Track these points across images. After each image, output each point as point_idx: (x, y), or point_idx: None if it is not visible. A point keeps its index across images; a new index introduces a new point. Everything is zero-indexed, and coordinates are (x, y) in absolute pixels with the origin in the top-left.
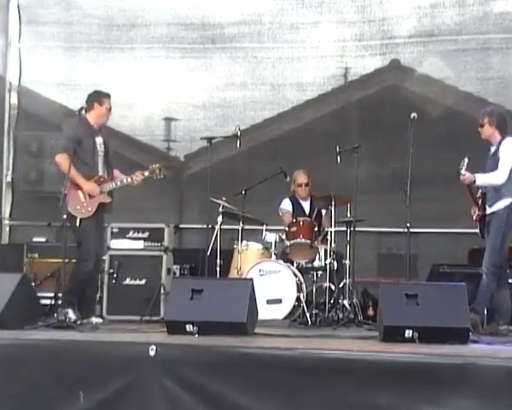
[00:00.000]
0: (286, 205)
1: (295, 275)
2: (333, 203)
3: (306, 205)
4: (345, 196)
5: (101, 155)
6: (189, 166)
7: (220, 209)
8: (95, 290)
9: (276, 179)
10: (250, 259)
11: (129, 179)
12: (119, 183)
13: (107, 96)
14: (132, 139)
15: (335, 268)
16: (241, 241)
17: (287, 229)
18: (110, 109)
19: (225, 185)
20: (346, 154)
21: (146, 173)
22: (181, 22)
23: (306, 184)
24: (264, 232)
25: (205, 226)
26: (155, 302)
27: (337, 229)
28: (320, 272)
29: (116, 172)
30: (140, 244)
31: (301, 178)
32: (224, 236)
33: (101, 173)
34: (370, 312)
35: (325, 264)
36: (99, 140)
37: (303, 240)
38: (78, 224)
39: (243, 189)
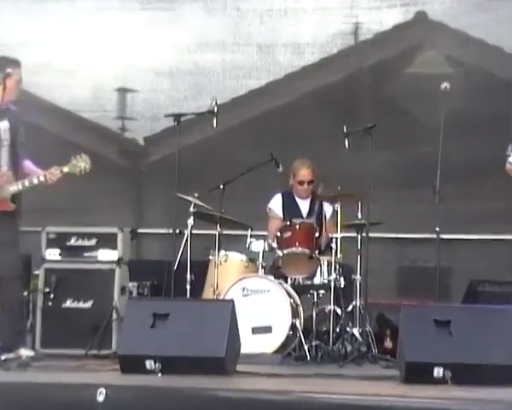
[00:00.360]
0: (275, 204)
1: (289, 295)
2: (339, 201)
3: (304, 205)
4: (355, 191)
5: (6, 145)
6: (151, 153)
7: (191, 209)
8: (23, 316)
9: (265, 170)
10: (230, 274)
11: (41, 178)
12: (27, 183)
13: (17, 63)
14: (75, 116)
15: (342, 286)
16: (219, 250)
17: (278, 234)
18: (20, 82)
19: (198, 177)
20: (356, 136)
21: (65, 169)
22: None
23: (310, 182)
24: (248, 239)
25: (170, 231)
26: (105, 331)
27: (345, 235)
28: (322, 292)
29: (28, 165)
30: (85, 255)
31: (304, 173)
32: (197, 243)
33: (4, 169)
34: (388, 343)
35: (329, 281)
36: (3, 125)
37: (300, 249)
38: None
39: (221, 182)
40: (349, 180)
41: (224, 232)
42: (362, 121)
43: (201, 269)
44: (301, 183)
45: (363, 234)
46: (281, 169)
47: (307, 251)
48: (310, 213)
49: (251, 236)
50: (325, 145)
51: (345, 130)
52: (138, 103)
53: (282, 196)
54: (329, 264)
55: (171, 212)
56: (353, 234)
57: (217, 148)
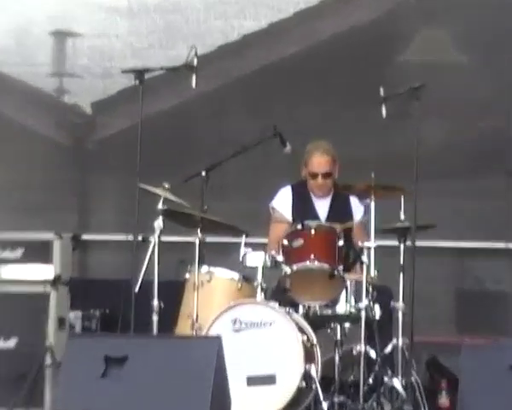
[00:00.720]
0: (281, 202)
1: (302, 331)
2: (372, 196)
3: (323, 205)
4: (395, 182)
5: None
6: (101, 125)
7: (160, 206)
8: None
9: (267, 149)
10: (216, 299)
11: None
12: None
13: None
14: None
15: (378, 318)
16: (200, 265)
17: (285, 242)
18: None
19: (170, 160)
20: (397, 102)
21: None
22: None
23: (326, 175)
24: (242, 249)
25: (130, 238)
26: (35, 382)
27: (381, 243)
28: (349, 326)
29: None
30: (6, 272)
31: (318, 161)
32: (168, 256)
33: None
34: (444, 401)
35: (358, 310)
36: None
37: (316, 264)
38: None
39: (204, 167)
40: (386, 165)
41: (208, 240)
42: (404, 80)
43: (174, 292)
44: (314, 175)
45: (408, 242)
46: (288, 148)
47: (327, 266)
48: (331, 217)
49: (246, 245)
50: (351, 114)
51: (381, 92)
52: (83, 54)
53: (293, 190)
54: (359, 285)
55: (131, 210)
56: (393, 242)
57: (197, 118)
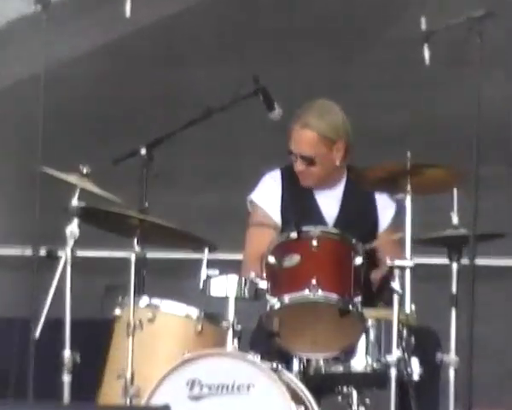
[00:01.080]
0: (266, 194)
1: (296, 398)
2: (408, 187)
3: (331, 200)
4: (442, 165)
5: None
6: None
7: (74, 202)
8: None
9: (244, 113)
10: (163, 349)
11: None
12: None
13: None
14: None
15: (416, 377)
16: (138, 295)
17: (272, 260)
18: None
19: (91, 132)
20: (446, 40)
21: None
22: None
23: (308, 161)
24: (204, 271)
25: (27, 253)
26: None
27: (421, 262)
28: (371, 390)
29: None
30: None
31: (297, 138)
32: (88, 280)
33: None
34: None
35: (386, 366)
36: None
37: (319, 293)
38: None
39: (145, 142)
40: (429, 140)
41: (150, 256)
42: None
43: (98, 338)
44: (291, 155)
45: (464, 260)
46: (277, 112)
47: (336, 298)
48: (343, 219)
49: (210, 263)
50: (373, 59)
51: (423, 25)
52: None
53: (283, 177)
54: (387, 328)
55: (30, 209)
56: (441, 259)
57: (135, 65)
